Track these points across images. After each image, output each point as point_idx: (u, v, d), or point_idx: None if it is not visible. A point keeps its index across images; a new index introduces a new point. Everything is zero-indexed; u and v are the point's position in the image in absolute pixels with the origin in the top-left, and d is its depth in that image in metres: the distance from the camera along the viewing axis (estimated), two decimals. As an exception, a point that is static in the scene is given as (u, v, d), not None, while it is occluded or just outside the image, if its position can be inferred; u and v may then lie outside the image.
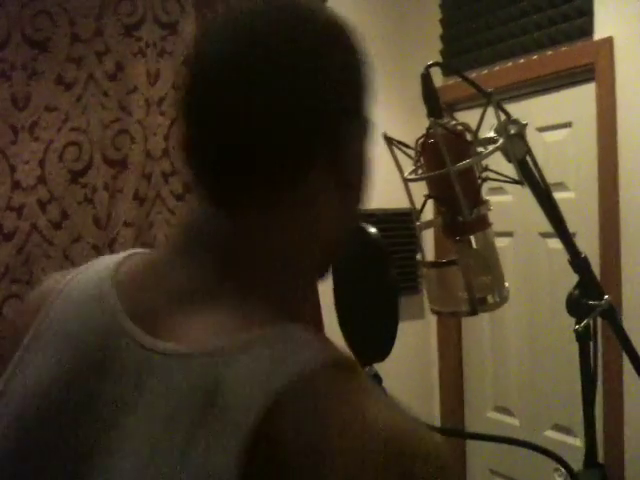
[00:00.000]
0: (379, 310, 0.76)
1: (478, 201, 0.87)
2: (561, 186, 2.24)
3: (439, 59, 2.62)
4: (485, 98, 0.86)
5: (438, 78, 2.62)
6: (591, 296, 1.01)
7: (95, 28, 2.02)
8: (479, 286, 0.87)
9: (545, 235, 2.27)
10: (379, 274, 0.76)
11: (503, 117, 0.91)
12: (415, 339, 2.81)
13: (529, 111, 2.34)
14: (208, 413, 0.51)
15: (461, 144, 0.85)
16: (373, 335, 0.78)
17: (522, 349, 2.46)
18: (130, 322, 0.58)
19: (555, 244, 2.22)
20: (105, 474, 0.53)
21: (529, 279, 2.38)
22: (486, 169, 0.90)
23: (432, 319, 2.80)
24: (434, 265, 0.88)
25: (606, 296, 1.00)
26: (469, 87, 2.47)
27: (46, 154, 2.02)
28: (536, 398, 2.40)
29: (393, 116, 2.45)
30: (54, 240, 2.05)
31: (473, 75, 2.50)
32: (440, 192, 0.88)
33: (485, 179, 0.89)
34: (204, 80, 0.60)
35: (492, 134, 0.89)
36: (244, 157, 0.58)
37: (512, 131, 0.89)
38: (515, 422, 2.52)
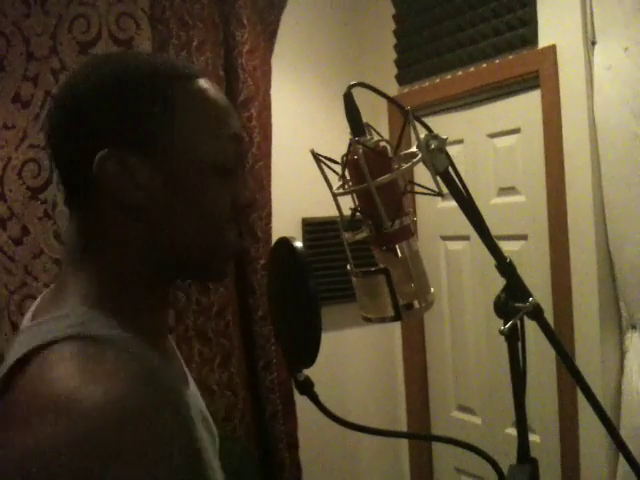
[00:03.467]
0: (303, 319, 0.80)
1: (401, 212, 0.91)
2: (512, 190, 2.31)
3: (394, 68, 2.69)
4: (404, 115, 0.91)
5: (394, 88, 2.68)
6: (517, 299, 1.06)
7: (50, 46, 2.05)
8: (404, 293, 0.91)
9: (500, 238, 2.34)
10: (302, 287, 0.80)
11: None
12: (380, 343, 2.87)
13: (480, 118, 2.41)
14: None
15: (382, 160, 0.90)
16: (299, 342, 0.82)
17: (482, 351, 2.52)
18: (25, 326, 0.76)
19: (510, 247, 2.30)
20: None
21: (486, 282, 2.44)
22: (410, 182, 0.95)
23: (396, 324, 2.86)
24: (362, 274, 0.93)
25: (531, 298, 1.05)
26: (426, 94, 2.53)
27: (5, 171, 2.05)
28: (496, 397, 2.46)
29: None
30: (15, 256, 2.08)
31: (426, 84, 2.57)
32: (364, 205, 0.92)
33: (407, 191, 0.94)
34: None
35: (414, 149, 0.94)
36: (59, 173, 0.78)
37: (432, 146, 0.94)
38: (477, 421, 2.58)
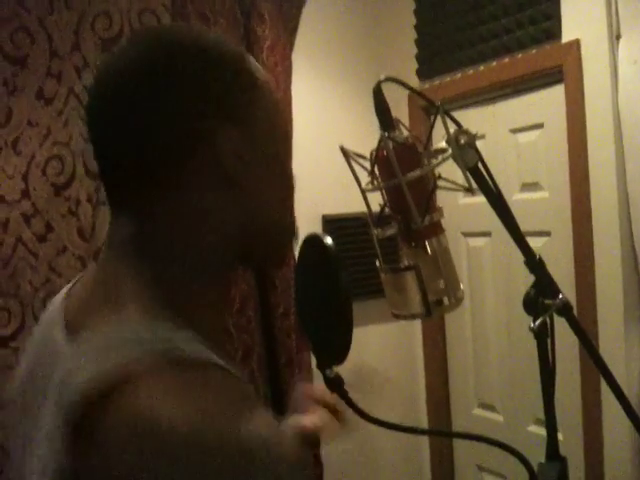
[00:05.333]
0: (335, 316, 0.80)
1: (431, 208, 0.91)
2: (535, 186, 2.29)
3: (415, 64, 2.67)
4: (433, 109, 0.90)
5: (415, 83, 2.67)
6: (547, 295, 1.05)
7: (73, 43, 2.06)
8: (434, 289, 0.91)
9: (523, 234, 2.31)
10: (334, 282, 0.80)
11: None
12: (400, 341, 2.86)
13: (502, 113, 2.40)
14: (56, 405, 0.58)
15: (412, 155, 0.89)
16: (330, 339, 0.82)
17: (503, 348, 2.50)
18: (59, 328, 0.69)
19: (533, 243, 2.27)
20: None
21: (508, 278, 2.43)
22: (439, 177, 0.95)
23: (417, 320, 2.85)
24: (391, 270, 0.92)
25: (561, 295, 1.04)
26: (447, 89, 2.52)
27: (29, 168, 2.06)
28: (518, 394, 2.44)
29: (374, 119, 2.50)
30: (39, 253, 2.09)
31: (448, 79, 2.56)
32: (394, 201, 0.92)
33: (437, 187, 0.93)
34: (92, 106, 0.71)
35: (443, 144, 0.93)
36: (122, 164, 0.69)
37: (462, 141, 0.93)
38: (499, 418, 2.57)
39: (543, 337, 1.06)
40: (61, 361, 0.63)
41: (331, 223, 2.66)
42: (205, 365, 0.60)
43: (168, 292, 0.66)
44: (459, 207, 2.56)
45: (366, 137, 1.06)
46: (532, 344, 1.06)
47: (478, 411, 2.68)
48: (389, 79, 0.93)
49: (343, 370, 0.83)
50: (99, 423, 0.54)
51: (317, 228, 2.63)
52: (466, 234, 2.62)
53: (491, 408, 2.61)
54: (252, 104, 0.72)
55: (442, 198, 2.75)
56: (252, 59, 0.75)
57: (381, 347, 2.80)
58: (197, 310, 0.68)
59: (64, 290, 0.78)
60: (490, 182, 0.99)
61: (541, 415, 1.07)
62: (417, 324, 2.86)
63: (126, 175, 0.68)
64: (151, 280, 0.66)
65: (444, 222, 0.95)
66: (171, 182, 0.68)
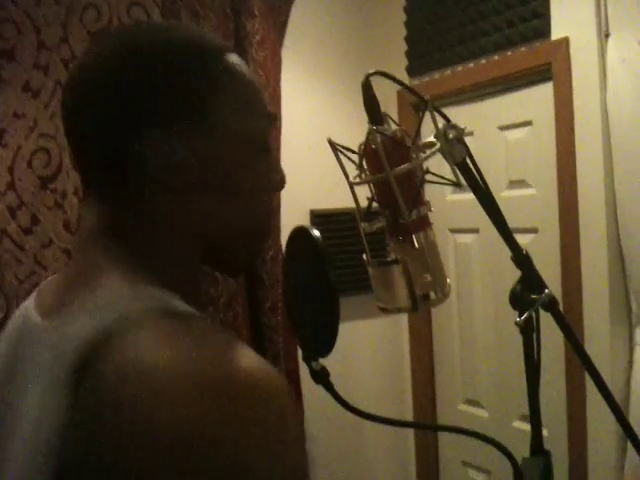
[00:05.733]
0: (321, 308, 0.80)
1: (419, 202, 0.91)
2: (522, 183, 2.30)
3: (404, 60, 2.68)
4: (423, 104, 0.90)
5: (404, 79, 2.67)
6: (533, 290, 1.06)
7: (61, 35, 2.04)
8: (421, 283, 0.91)
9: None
10: (321, 276, 0.80)
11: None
12: (387, 335, 2.87)
13: (491, 110, 2.40)
14: (54, 369, 0.59)
15: (400, 149, 0.89)
16: (317, 332, 0.82)
17: (490, 344, 2.51)
18: (34, 312, 0.70)
19: (520, 240, 2.27)
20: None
21: (495, 275, 2.44)
22: (427, 172, 0.95)
23: (403, 316, 2.86)
24: (378, 264, 0.92)
25: (546, 290, 1.05)
26: (436, 86, 2.52)
27: (15, 161, 2.05)
28: (504, 390, 2.46)
29: (362, 116, 2.49)
30: (25, 245, 2.07)
31: (437, 76, 2.56)
32: (382, 195, 0.92)
33: (425, 181, 0.93)
34: (65, 99, 0.74)
35: (432, 139, 0.93)
36: (85, 155, 0.72)
37: (451, 135, 0.93)
38: (484, 414, 2.58)
39: (529, 332, 1.06)
40: (44, 336, 0.64)
41: (319, 218, 2.66)
42: (198, 317, 0.63)
43: (150, 278, 0.66)
44: (447, 204, 2.57)
45: (355, 133, 1.06)
46: (518, 340, 1.06)
47: (463, 407, 2.69)
48: (378, 73, 0.93)
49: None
50: (96, 366, 0.55)
51: (305, 223, 2.63)
52: (454, 230, 2.62)
53: (476, 404, 2.62)
54: (208, 107, 0.71)
55: (430, 195, 2.77)
56: (235, 55, 0.75)
57: (367, 342, 2.81)
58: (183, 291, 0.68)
59: (32, 295, 0.78)
60: (478, 178, 0.98)
61: (526, 411, 1.08)
62: (404, 319, 2.87)
63: (107, 166, 0.70)
64: (133, 266, 0.67)
65: (432, 218, 0.95)
66: (127, 180, 0.69)
